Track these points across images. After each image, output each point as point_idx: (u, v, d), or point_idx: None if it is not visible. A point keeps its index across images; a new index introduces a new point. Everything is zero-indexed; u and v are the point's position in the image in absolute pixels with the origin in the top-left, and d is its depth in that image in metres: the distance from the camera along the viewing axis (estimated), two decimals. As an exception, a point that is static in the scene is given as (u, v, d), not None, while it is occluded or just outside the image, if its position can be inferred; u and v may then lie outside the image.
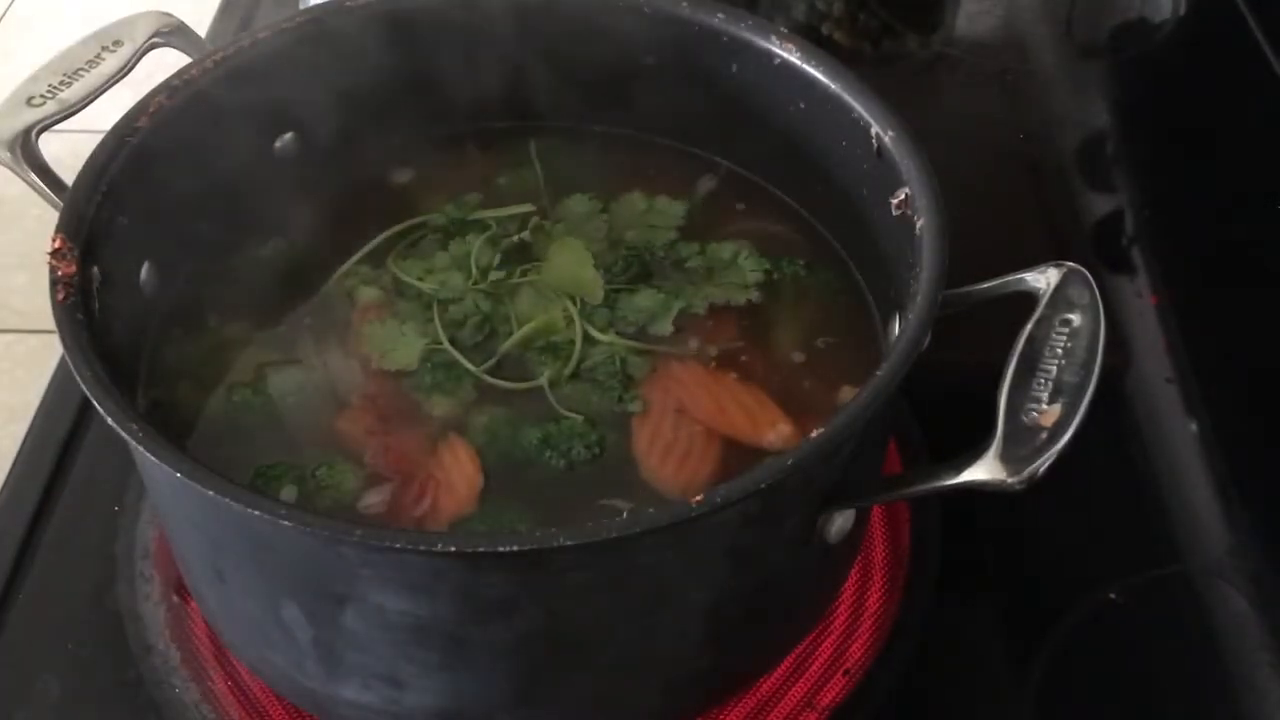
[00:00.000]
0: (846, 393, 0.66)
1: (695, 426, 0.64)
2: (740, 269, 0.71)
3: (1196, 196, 0.89)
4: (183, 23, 0.72)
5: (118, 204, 0.62)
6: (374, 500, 0.61)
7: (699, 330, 0.69)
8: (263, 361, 0.67)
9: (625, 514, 0.54)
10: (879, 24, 1.07)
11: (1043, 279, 0.58)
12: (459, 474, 0.62)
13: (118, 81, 0.68)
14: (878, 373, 0.54)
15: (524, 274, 0.70)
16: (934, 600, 0.71)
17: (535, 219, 0.73)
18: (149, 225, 0.65)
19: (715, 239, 0.73)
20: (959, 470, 0.53)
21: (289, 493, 0.61)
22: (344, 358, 0.67)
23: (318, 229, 0.73)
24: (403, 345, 0.67)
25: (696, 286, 0.70)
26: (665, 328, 0.68)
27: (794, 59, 0.69)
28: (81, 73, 0.67)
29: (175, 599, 0.71)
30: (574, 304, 0.68)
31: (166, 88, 0.66)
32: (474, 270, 0.70)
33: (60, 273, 0.57)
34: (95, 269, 0.59)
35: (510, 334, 0.67)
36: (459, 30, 0.73)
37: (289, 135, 0.73)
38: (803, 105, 0.69)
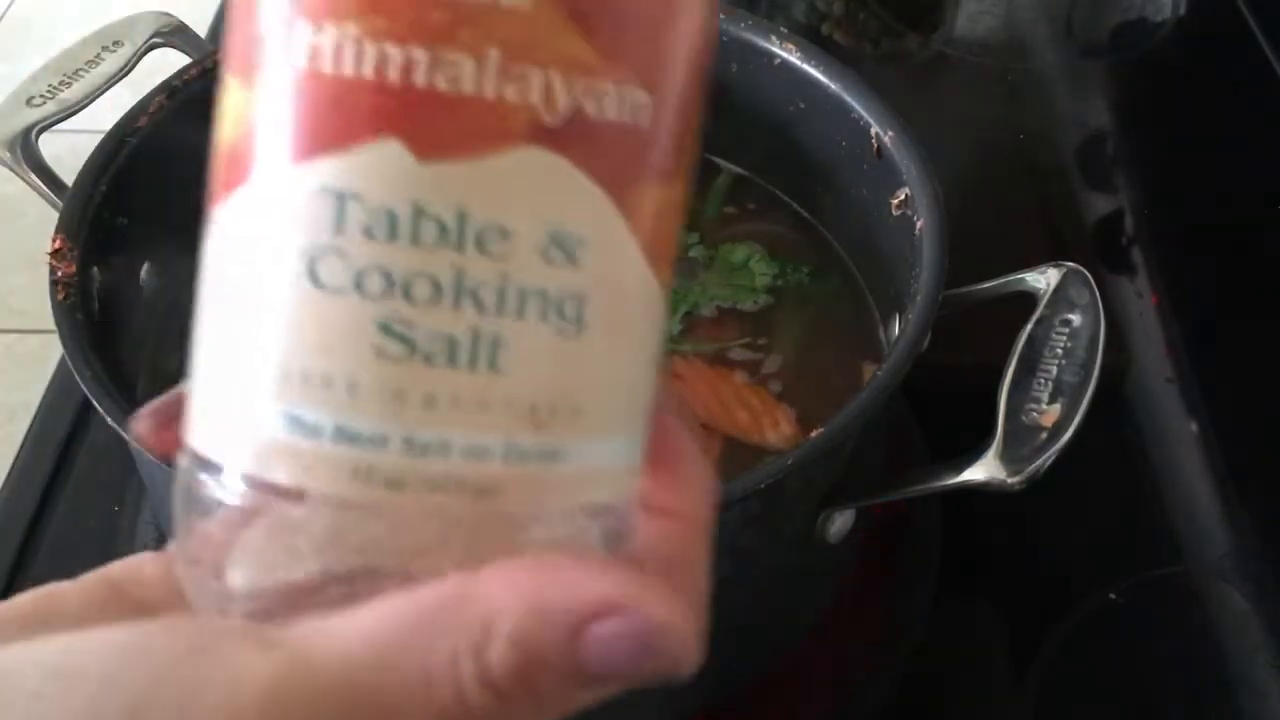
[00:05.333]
0: (847, 390, 0.66)
1: (695, 424, 0.64)
2: (750, 273, 0.71)
3: (1197, 196, 0.89)
4: (183, 23, 0.72)
5: (118, 204, 0.62)
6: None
7: (704, 328, 0.69)
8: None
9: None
10: (879, 24, 1.07)
11: (1043, 279, 0.58)
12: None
13: (117, 81, 0.68)
14: (878, 373, 0.54)
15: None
16: (934, 600, 0.70)
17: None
18: (149, 225, 0.65)
19: (720, 240, 0.73)
20: (959, 470, 0.53)
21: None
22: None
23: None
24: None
25: (704, 288, 0.70)
26: (671, 327, 0.68)
27: (794, 59, 0.69)
28: (81, 73, 0.67)
29: (175, 599, 0.71)
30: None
31: (166, 88, 0.65)
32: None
33: (60, 273, 0.57)
34: (95, 269, 0.59)
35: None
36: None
37: (288, 135, 0.73)
38: (802, 105, 0.69)
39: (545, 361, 0.24)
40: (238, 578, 0.25)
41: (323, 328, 0.23)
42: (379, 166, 0.23)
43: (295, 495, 0.24)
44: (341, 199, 0.23)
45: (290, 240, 0.24)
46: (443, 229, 0.23)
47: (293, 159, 0.23)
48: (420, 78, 0.23)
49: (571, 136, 0.24)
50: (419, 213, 0.23)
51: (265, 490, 0.24)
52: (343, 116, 0.23)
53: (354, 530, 0.24)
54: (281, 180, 0.24)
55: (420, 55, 0.23)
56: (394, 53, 0.23)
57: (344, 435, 0.23)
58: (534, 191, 0.24)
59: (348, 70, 0.23)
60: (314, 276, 0.23)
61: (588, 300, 0.24)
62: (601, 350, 0.25)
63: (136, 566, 0.28)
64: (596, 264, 0.24)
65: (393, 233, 0.23)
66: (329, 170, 0.23)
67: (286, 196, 0.24)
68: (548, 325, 0.24)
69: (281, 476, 0.24)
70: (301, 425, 0.24)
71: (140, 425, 0.28)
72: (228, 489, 0.25)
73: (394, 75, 0.23)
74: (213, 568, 0.25)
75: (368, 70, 0.23)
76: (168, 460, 0.27)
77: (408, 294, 0.23)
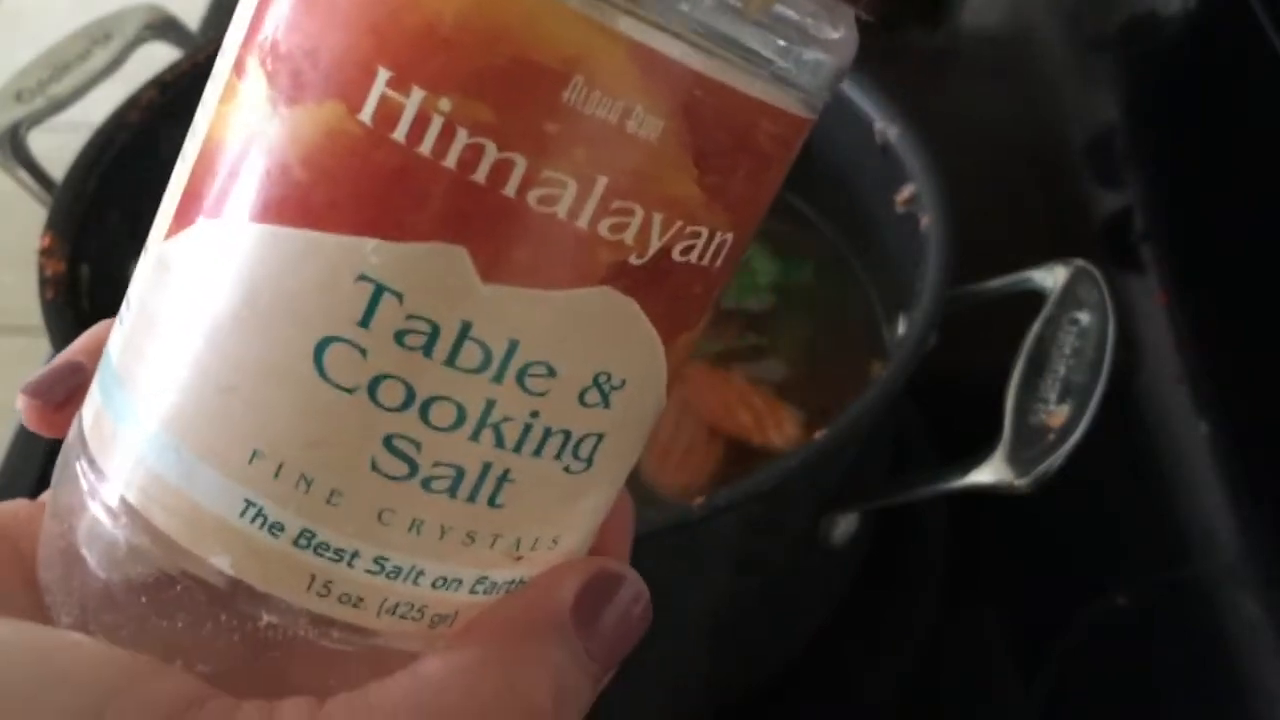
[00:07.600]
0: (851, 391, 0.65)
1: (698, 426, 0.63)
2: (753, 271, 0.70)
3: (1207, 193, 0.88)
4: (173, 16, 0.71)
5: (108, 201, 0.61)
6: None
7: (705, 328, 0.68)
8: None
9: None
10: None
11: (1050, 277, 0.57)
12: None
13: (108, 76, 0.67)
14: (883, 373, 0.53)
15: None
16: (938, 604, 0.70)
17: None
18: (139, 222, 0.64)
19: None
20: (965, 472, 0.52)
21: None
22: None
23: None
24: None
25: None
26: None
27: (796, 53, 0.68)
28: (71, 67, 0.67)
29: (167, 603, 0.70)
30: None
31: (158, 82, 0.65)
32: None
33: (49, 271, 0.57)
34: (85, 267, 0.59)
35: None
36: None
37: (282, 130, 0.72)
38: (805, 100, 0.68)
39: (544, 500, 0.22)
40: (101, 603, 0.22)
41: (316, 423, 0.20)
42: (435, 272, 0.20)
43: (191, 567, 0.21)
44: (379, 293, 0.20)
45: (301, 314, 0.20)
46: (486, 356, 0.20)
47: (329, 225, 0.20)
48: (511, 188, 0.19)
49: (648, 278, 0.21)
50: (465, 333, 0.20)
51: (165, 549, 0.21)
52: (406, 202, 0.19)
53: (270, 643, 0.21)
54: (307, 244, 0.20)
55: (520, 163, 0.19)
56: (490, 150, 0.19)
57: (310, 541, 0.21)
58: (596, 335, 0.21)
59: (426, 150, 0.19)
60: (319, 364, 0.20)
61: (605, 439, 0.22)
62: (599, 484, 0.23)
63: (11, 512, 0.26)
64: (627, 405, 0.22)
65: (429, 347, 0.20)
66: (372, 256, 0.20)
67: (309, 264, 0.20)
68: (558, 463, 0.22)
69: (221, 561, 0.21)
70: (262, 517, 0.21)
71: (27, 410, 0.26)
72: (116, 518, 0.22)
73: (481, 176, 0.19)
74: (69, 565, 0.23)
75: (451, 160, 0.19)
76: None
77: (425, 414, 0.20)
